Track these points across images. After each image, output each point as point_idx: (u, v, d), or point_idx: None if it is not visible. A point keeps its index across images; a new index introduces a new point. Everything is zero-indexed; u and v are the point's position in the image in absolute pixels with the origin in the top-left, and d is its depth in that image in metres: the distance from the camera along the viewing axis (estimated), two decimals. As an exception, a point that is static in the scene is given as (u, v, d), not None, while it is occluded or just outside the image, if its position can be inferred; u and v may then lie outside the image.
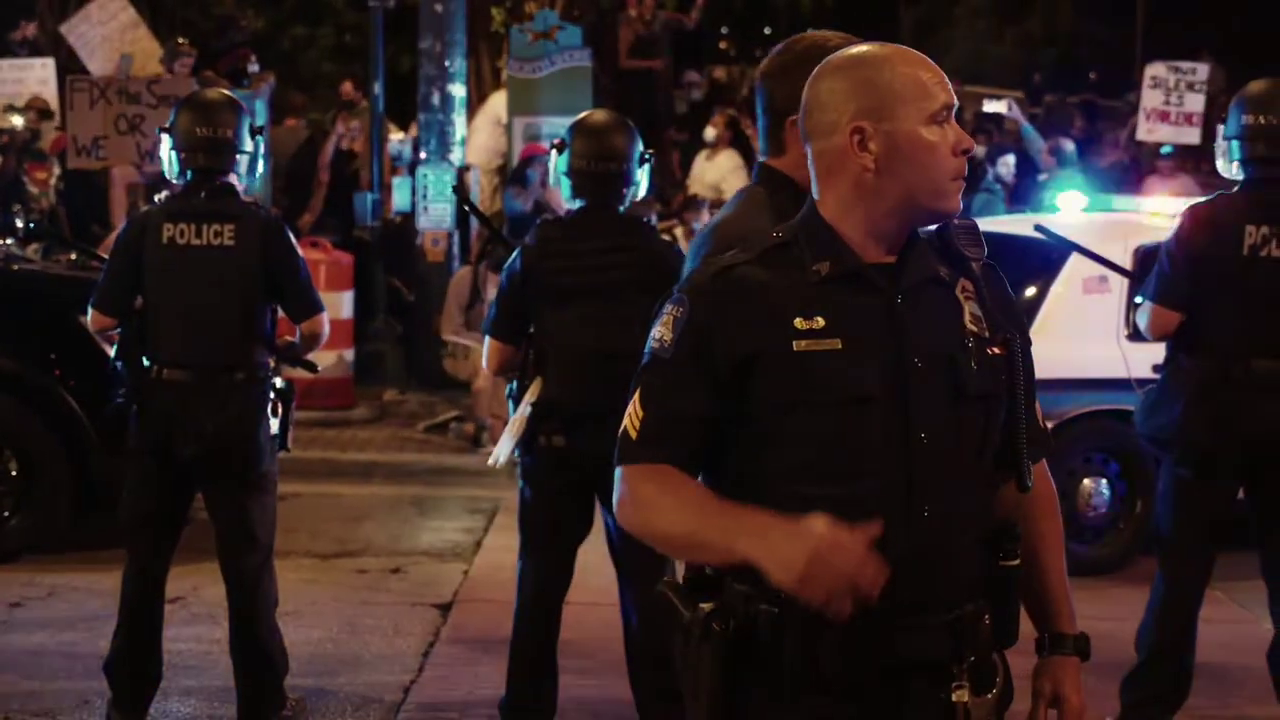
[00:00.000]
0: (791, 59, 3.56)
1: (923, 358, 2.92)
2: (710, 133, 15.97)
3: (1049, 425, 3.22)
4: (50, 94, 14.24)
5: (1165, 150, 14.44)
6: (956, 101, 2.97)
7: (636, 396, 2.99)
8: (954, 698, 2.93)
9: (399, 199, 14.16)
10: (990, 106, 15.27)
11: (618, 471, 3.01)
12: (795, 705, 2.93)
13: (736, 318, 2.87)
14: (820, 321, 2.85)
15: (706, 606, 2.95)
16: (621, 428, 3.04)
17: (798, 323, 2.87)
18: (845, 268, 2.93)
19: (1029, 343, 3.09)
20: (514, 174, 14.07)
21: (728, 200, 13.77)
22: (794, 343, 2.86)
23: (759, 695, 2.95)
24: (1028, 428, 3.04)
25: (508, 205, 13.75)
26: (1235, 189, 6.06)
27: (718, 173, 15.74)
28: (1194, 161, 14.36)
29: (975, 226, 3.10)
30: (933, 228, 3.03)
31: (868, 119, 2.90)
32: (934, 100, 2.92)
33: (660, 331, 2.98)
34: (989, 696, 2.97)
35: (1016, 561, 3.02)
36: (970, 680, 2.95)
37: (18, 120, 14.42)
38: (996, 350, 3.00)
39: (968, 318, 2.99)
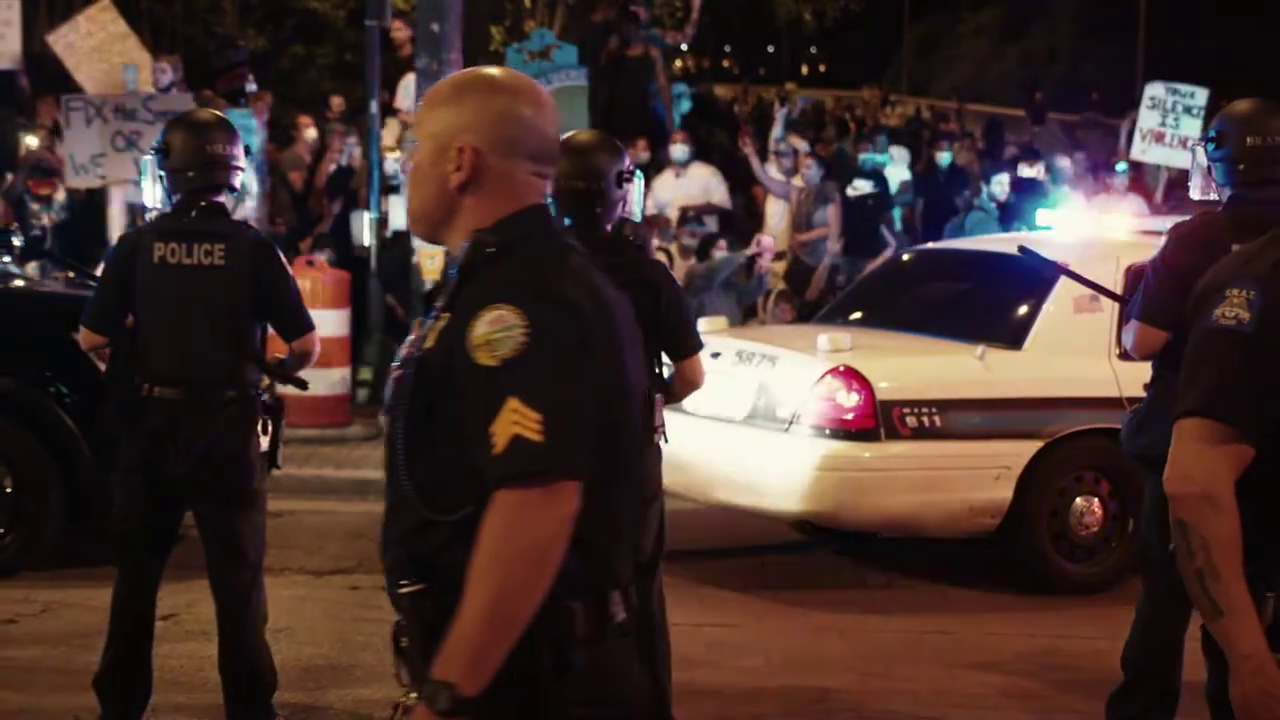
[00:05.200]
0: None
1: None
2: (683, 151, 15.94)
3: (533, 442, 2.86)
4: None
5: (1120, 168, 14.51)
6: None
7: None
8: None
9: (396, 217, 14.20)
10: (1026, 172, 15.32)
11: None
12: None
13: None
14: None
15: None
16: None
17: None
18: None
19: (453, 359, 2.95)
20: None
21: (716, 205, 13.44)
22: None
23: None
24: (474, 451, 2.90)
25: None
26: (1220, 208, 6.08)
27: (698, 184, 15.75)
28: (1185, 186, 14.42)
29: (502, 245, 3.06)
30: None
31: None
32: None
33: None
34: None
35: (414, 587, 2.98)
36: (414, 683, 2.95)
37: (32, 140, 14.48)
38: (399, 371, 3.05)
39: (424, 339, 3.04)
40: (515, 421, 2.84)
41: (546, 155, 3.16)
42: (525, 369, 2.86)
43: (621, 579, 3.07)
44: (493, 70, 3.21)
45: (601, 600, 3.00)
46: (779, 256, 15.21)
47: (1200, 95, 13.79)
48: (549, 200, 3.18)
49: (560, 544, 2.85)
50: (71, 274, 10.35)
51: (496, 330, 2.89)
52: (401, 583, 2.99)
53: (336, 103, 17.47)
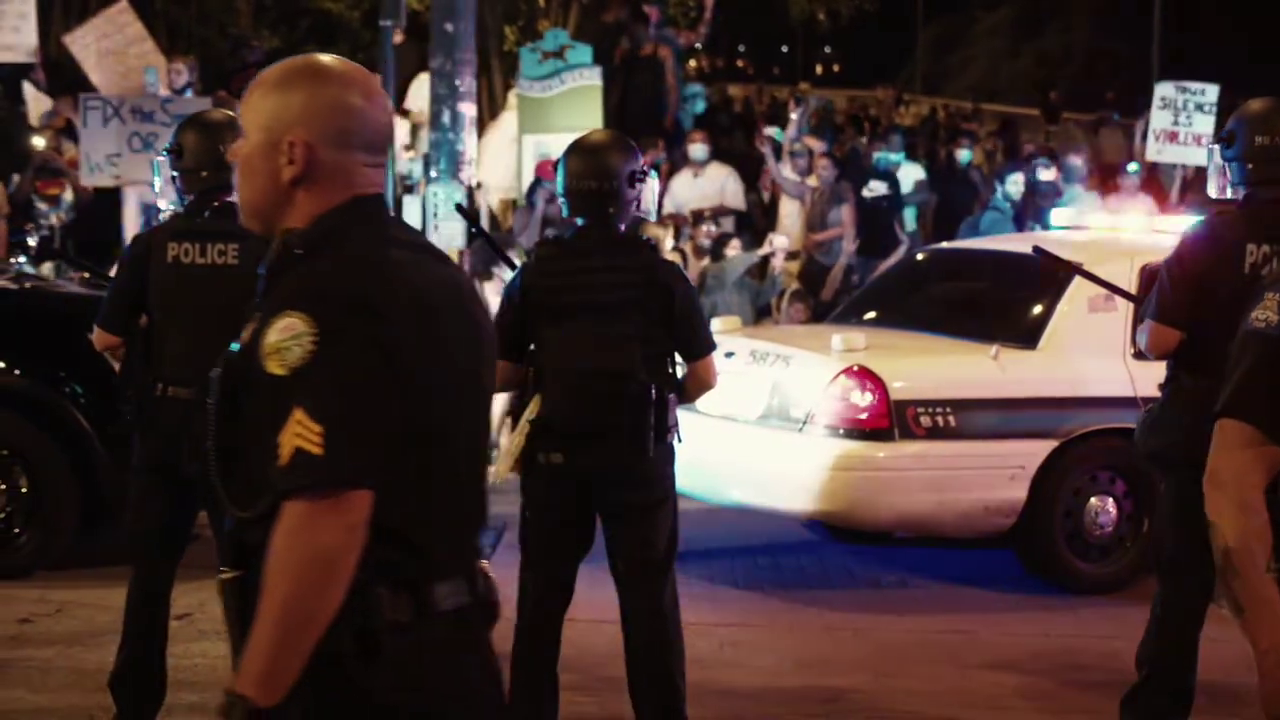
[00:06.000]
0: None
1: None
2: (702, 150, 15.92)
3: (315, 452, 2.85)
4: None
5: (1132, 168, 14.49)
6: None
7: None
8: None
9: (410, 218, 14.19)
10: (1044, 175, 15.32)
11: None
12: None
13: None
14: None
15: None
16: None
17: None
18: None
19: (252, 364, 2.95)
20: (526, 196, 14.17)
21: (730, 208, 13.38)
22: None
23: None
24: (266, 460, 2.90)
25: (515, 226, 13.80)
26: (1236, 208, 6.07)
27: (714, 184, 15.73)
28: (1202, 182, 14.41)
29: (309, 237, 3.06)
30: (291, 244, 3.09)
31: None
32: None
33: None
34: None
35: (229, 575, 3.03)
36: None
37: (38, 141, 14.53)
38: (216, 370, 3.09)
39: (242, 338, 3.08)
40: (298, 433, 2.84)
41: (379, 145, 3.13)
42: (311, 379, 2.85)
43: (450, 569, 3.06)
44: (322, 58, 3.17)
45: (419, 589, 2.99)
46: (793, 256, 15.20)
47: (1211, 92, 13.78)
48: (379, 191, 3.14)
49: (348, 553, 2.85)
50: (86, 274, 10.38)
51: (286, 338, 2.87)
52: (221, 570, 3.03)
53: None
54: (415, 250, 3.10)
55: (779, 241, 14.24)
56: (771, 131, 17.61)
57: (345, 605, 2.87)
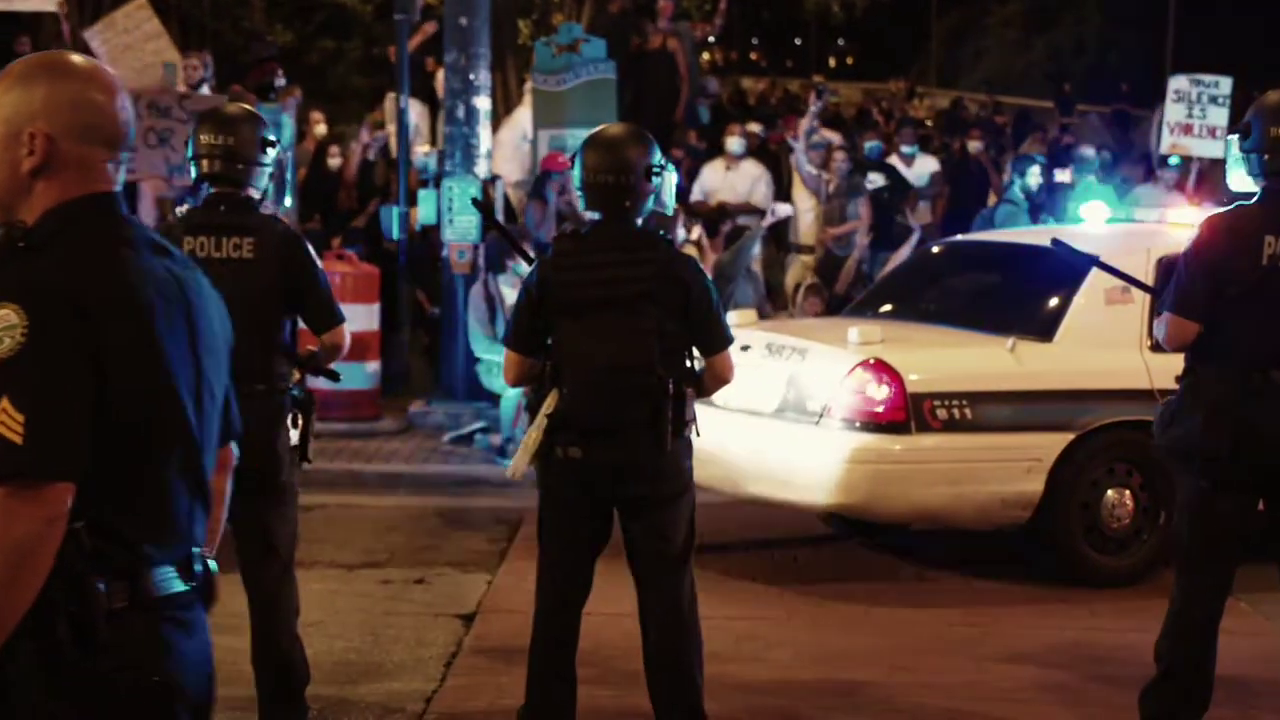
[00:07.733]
0: None
1: None
2: (739, 144, 15.88)
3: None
4: None
5: (1173, 162, 14.45)
6: None
7: None
8: None
9: (424, 212, 14.20)
10: (1060, 177, 15.32)
11: None
12: None
13: None
14: None
15: None
16: None
17: None
18: None
19: None
20: (532, 190, 14.13)
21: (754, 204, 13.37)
22: None
23: None
24: None
25: (528, 220, 13.78)
26: (1253, 200, 6.05)
27: (746, 181, 15.69)
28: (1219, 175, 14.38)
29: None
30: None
31: None
32: None
33: None
34: None
35: None
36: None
37: None
38: None
39: None
40: (2, 422, 2.90)
41: (120, 140, 3.20)
42: (18, 370, 2.91)
43: (164, 557, 3.13)
44: (65, 54, 3.25)
45: (135, 579, 3.07)
46: (809, 250, 15.18)
47: (1225, 84, 13.75)
48: (119, 187, 3.20)
49: (44, 544, 2.92)
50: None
51: None
52: None
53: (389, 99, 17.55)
54: (143, 248, 3.16)
55: (782, 210, 14.21)
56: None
57: (62, 596, 2.97)
